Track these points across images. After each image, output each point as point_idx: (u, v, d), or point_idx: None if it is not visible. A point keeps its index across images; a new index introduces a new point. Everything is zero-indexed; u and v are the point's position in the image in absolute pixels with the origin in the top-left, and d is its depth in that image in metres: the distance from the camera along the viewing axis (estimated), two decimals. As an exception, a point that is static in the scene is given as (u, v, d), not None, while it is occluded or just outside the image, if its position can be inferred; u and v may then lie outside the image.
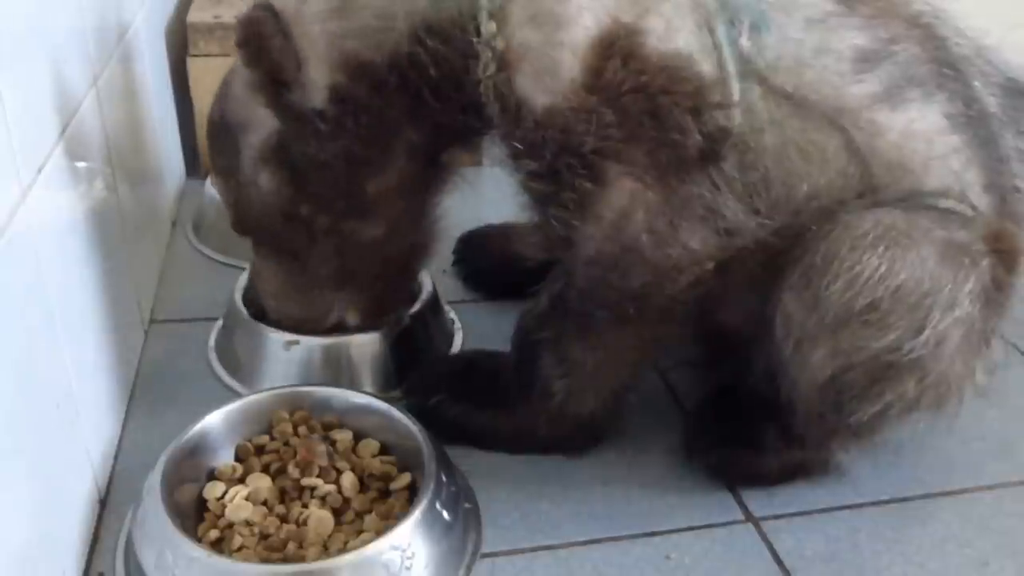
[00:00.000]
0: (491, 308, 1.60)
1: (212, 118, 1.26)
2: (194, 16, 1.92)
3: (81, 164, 1.20)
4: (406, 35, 1.12)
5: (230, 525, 1.11)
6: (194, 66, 1.90)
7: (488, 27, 1.09)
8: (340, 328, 1.38)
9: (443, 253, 1.64)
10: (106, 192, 1.32)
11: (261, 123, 1.20)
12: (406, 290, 1.45)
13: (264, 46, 1.13)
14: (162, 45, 1.89)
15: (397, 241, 1.30)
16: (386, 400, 1.25)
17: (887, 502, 1.26)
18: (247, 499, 1.13)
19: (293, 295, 1.36)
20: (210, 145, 1.29)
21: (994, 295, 1.13)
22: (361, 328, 1.39)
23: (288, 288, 1.35)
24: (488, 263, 1.65)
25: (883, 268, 1.07)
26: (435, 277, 1.53)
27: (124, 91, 1.51)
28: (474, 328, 1.55)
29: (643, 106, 1.08)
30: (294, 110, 1.17)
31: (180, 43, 1.95)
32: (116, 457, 1.25)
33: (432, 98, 1.15)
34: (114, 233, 1.34)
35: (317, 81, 1.15)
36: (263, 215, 1.27)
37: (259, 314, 1.42)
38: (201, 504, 1.14)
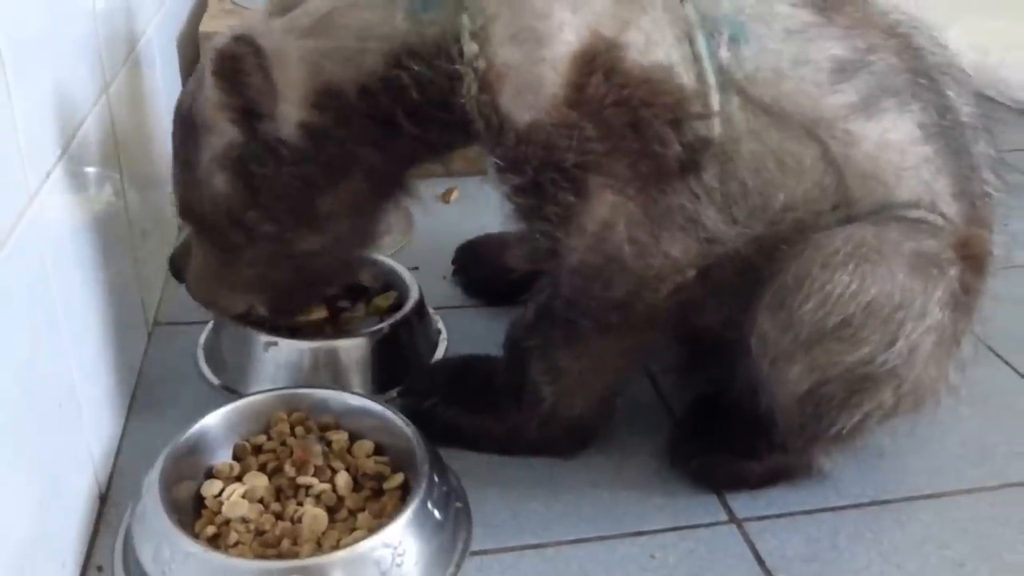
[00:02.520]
0: (487, 314, 1.62)
1: (180, 104, 1.25)
2: (206, 26, 1.95)
3: (90, 169, 1.23)
4: (383, 59, 1.13)
5: (227, 522, 1.13)
6: (205, 75, 1.91)
7: (470, 48, 1.10)
8: (246, 316, 1.39)
9: (443, 261, 1.68)
10: (114, 197, 1.34)
11: (224, 132, 1.19)
12: (314, 298, 1.45)
13: (243, 82, 1.13)
14: (174, 54, 1.91)
15: (331, 254, 1.31)
16: (380, 402, 1.27)
17: (867, 504, 1.27)
18: (244, 497, 1.16)
19: (211, 278, 1.35)
20: (173, 128, 1.27)
21: (963, 299, 1.15)
22: (273, 321, 1.41)
23: (209, 272, 1.34)
24: (486, 271, 1.66)
25: (854, 285, 1.08)
26: (435, 283, 1.56)
27: (135, 98, 1.54)
28: (469, 334, 1.57)
29: (625, 119, 1.09)
30: (260, 136, 1.18)
31: (192, 52, 1.98)
32: (117, 455, 1.28)
33: (409, 121, 1.16)
34: (121, 237, 1.37)
35: (290, 117, 1.16)
36: (209, 211, 1.25)
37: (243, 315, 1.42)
38: (199, 501, 1.17)
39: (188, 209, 1.29)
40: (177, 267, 1.40)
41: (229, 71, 1.13)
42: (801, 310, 1.09)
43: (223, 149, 1.20)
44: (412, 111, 1.16)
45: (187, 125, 1.23)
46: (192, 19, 2.12)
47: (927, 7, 1.22)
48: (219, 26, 1.93)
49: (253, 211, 1.23)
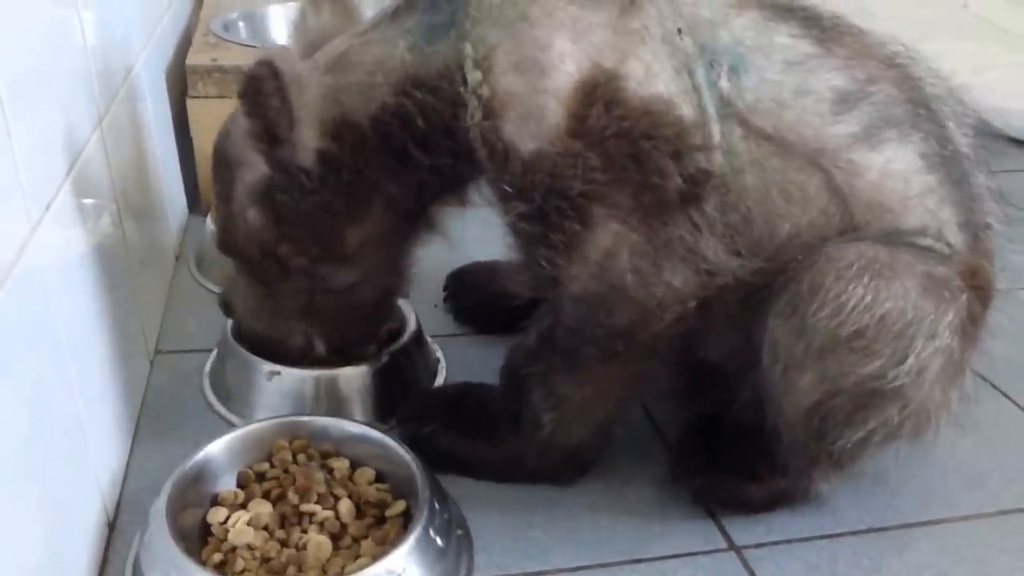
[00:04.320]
0: (480, 342, 1.63)
1: (216, 145, 1.30)
2: (193, 59, 1.96)
3: (88, 201, 1.23)
4: (391, 90, 1.16)
5: (232, 549, 1.13)
6: (193, 107, 1.93)
7: (474, 76, 1.12)
8: (307, 354, 1.41)
9: (435, 289, 1.68)
10: (112, 228, 1.35)
11: (253, 166, 1.23)
12: (372, 329, 1.47)
13: (261, 103, 1.16)
14: (163, 87, 1.92)
15: (367, 287, 1.35)
16: (381, 429, 1.28)
17: (865, 531, 1.28)
18: (249, 524, 1.16)
19: (261, 315, 1.39)
20: (213, 167, 1.31)
21: (969, 329, 1.15)
22: (329, 358, 1.42)
23: (257, 308, 1.39)
24: (477, 298, 1.67)
25: (868, 297, 1.08)
26: (427, 311, 1.57)
27: (128, 131, 1.54)
28: (463, 362, 1.57)
29: (626, 150, 1.10)
30: (283, 163, 1.21)
31: (180, 85, 1.98)
32: (124, 482, 1.28)
33: (418, 150, 1.18)
34: (120, 267, 1.37)
35: (306, 143, 1.19)
36: (245, 245, 1.30)
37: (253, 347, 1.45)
38: (205, 528, 1.17)
39: (226, 243, 1.33)
40: (227, 303, 1.44)
41: (251, 92, 1.16)
42: (815, 317, 1.09)
43: (254, 183, 1.24)
44: (421, 140, 1.18)
45: (223, 161, 1.28)
46: (179, 52, 2.13)
47: (896, 31, 1.23)
48: (204, 59, 1.95)
49: (284, 244, 1.27)
